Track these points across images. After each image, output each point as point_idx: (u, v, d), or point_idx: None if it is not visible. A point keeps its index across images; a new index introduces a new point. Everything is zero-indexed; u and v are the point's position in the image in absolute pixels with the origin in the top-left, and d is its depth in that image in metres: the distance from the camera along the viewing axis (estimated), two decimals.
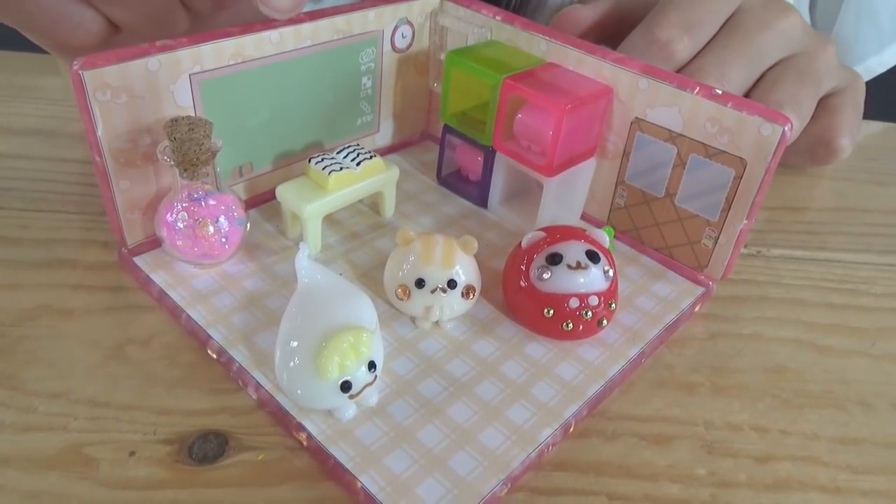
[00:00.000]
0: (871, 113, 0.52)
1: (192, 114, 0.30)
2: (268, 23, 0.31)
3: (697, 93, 0.29)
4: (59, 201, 0.35)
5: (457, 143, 0.37)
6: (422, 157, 0.41)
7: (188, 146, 0.27)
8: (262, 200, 0.35)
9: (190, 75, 0.29)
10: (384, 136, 0.40)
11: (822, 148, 0.40)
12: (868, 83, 0.42)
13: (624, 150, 0.33)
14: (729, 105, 0.29)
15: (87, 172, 0.37)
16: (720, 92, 0.29)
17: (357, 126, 0.38)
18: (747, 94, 0.36)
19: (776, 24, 0.36)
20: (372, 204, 0.36)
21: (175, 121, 0.27)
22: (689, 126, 0.30)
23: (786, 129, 0.27)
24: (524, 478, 0.24)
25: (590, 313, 0.28)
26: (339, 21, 0.33)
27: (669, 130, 0.31)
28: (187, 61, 0.28)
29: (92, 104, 0.26)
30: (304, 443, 0.24)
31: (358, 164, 0.32)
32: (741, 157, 0.29)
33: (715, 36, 0.36)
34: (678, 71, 0.35)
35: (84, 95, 0.26)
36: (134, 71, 0.27)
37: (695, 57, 0.35)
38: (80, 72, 0.25)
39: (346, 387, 0.23)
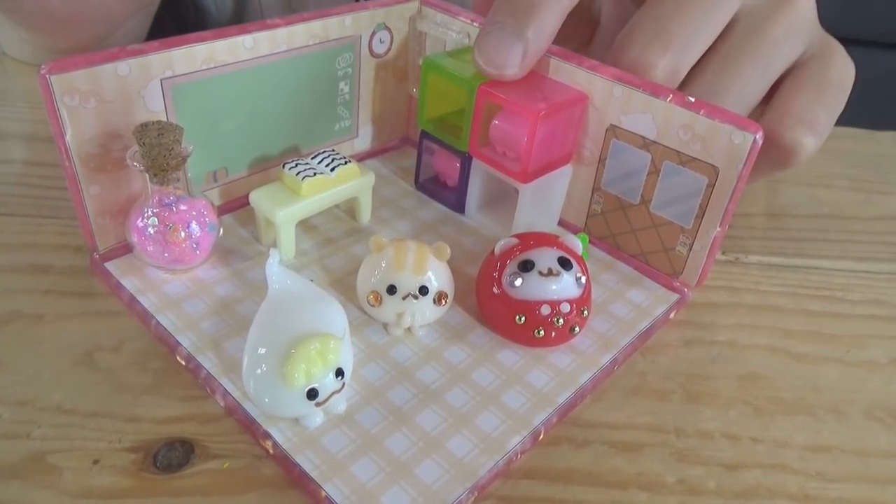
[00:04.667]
0: (852, 120, 0.52)
1: (164, 119, 0.30)
2: (242, 27, 0.30)
3: (670, 100, 0.29)
4: (33, 205, 0.35)
5: (434, 149, 0.37)
6: (401, 162, 0.41)
7: (157, 151, 0.26)
8: (237, 206, 0.35)
9: (161, 80, 0.29)
10: (363, 142, 0.40)
11: (772, 148, 0.31)
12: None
13: (599, 157, 0.33)
14: (701, 112, 0.29)
15: (62, 176, 0.37)
16: (692, 99, 0.29)
17: (335, 131, 0.38)
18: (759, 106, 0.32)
19: (782, 23, 0.31)
20: (348, 209, 0.36)
21: (144, 126, 0.27)
22: (662, 133, 0.30)
23: (756, 136, 0.27)
24: (492, 486, 0.24)
25: (561, 320, 0.27)
26: (316, 26, 0.33)
27: (644, 137, 0.31)
28: (158, 66, 0.28)
29: (60, 109, 0.26)
30: (270, 451, 0.24)
31: (332, 169, 0.32)
32: (713, 165, 0.29)
33: (711, 49, 0.31)
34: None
35: (52, 100, 0.26)
36: (103, 75, 0.27)
37: (686, 79, 0.32)
38: (47, 76, 0.25)
39: (312, 394, 0.23)
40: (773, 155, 0.31)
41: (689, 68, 0.31)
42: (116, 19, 0.44)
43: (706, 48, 0.31)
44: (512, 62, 0.30)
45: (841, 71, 0.33)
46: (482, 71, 0.31)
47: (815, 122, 0.31)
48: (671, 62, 0.30)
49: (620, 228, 0.34)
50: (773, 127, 0.31)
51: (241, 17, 0.55)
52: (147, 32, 0.50)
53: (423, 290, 0.28)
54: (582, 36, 0.39)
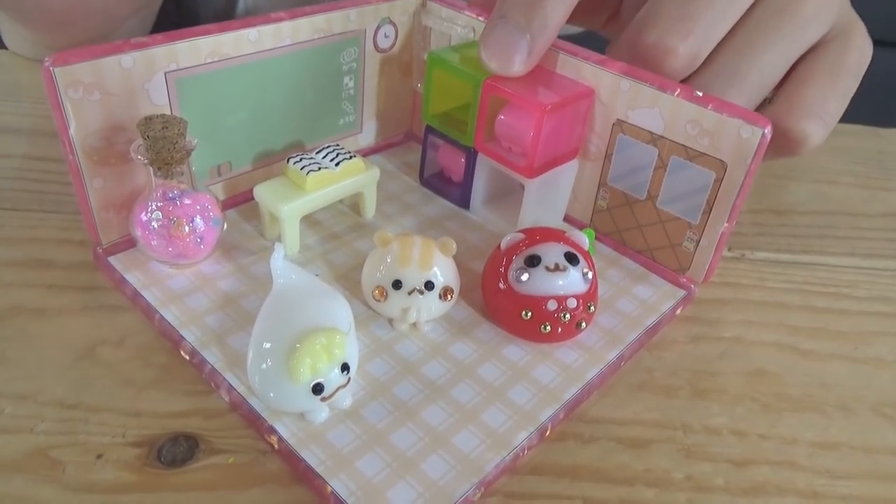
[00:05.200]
0: (856, 116, 0.52)
1: (168, 112, 0.29)
2: (245, 21, 0.30)
3: (678, 94, 0.29)
4: (36, 200, 0.35)
5: (439, 144, 0.37)
6: (405, 157, 0.40)
7: (162, 144, 0.26)
8: (241, 200, 0.34)
9: (165, 73, 0.28)
10: (367, 137, 0.40)
11: (779, 136, 0.30)
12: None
13: (606, 152, 0.33)
14: (709, 107, 0.28)
15: (65, 171, 0.37)
16: (700, 94, 0.29)
17: (339, 126, 0.38)
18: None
19: (812, 1, 0.30)
20: (353, 205, 0.35)
21: (149, 119, 0.27)
22: (670, 128, 0.30)
23: (765, 131, 0.27)
24: (498, 482, 0.24)
25: (568, 316, 0.27)
26: (319, 20, 0.33)
27: (651, 132, 0.31)
28: (162, 59, 0.28)
29: (64, 101, 0.26)
30: (276, 446, 0.24)
31: (337, 164, 0.32)
32: (721, 160, 0.29)
33: (731, 32, 0.30)
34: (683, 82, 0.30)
35: (55, 92, 0.26)
36: (107, 68, 0.27)
37: (704, 64, 0.30)
38: (51, 68, 0.25)
39: (317, 389, 0.23)
40: (779, 142, 0.30)
41: (710, 51, 0.30)
42: (115, 17, 0.44)
43: (730, 28, 0.30)
44: (517, 58, 0.30)
45: (859, 56, 0.31)
46: (487, 67, 0.31)
47: (825, 114, 0.30)
48: (693, 47, 0.29)
49: (627, 224, 0.34)
50: (782, 115, 0.30)
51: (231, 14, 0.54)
52: (149, 33, 0.50)
53: (429, 285, 0.28)
54: (606, 10, 0.37)
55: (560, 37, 0.31)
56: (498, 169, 0.34)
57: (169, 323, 0.27)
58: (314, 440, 0.23)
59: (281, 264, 0.27)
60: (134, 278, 0.29)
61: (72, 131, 0.27)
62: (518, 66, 0.30)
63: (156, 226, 0.28)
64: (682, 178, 0.31)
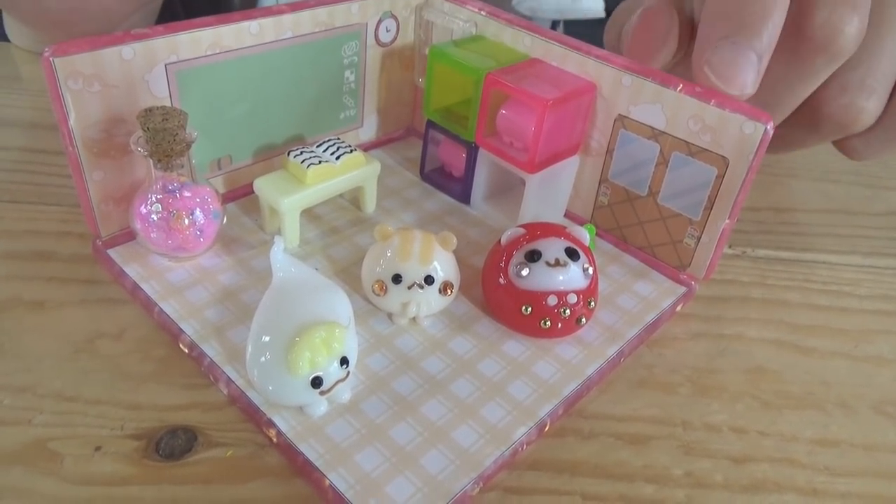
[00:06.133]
0: None
1: (169, 104, 0.29)
2: (246, 13, 0.30)
3: (680, 90, 0.29)
4: (36, 193, 0.35)
5: (440, 139, 0.37)
6: (406, 152, 0.40)
7: (162, 136, 0.26)
8: (241, 194, 0.34)
9: (166, 65, 0.28)
10: (368, 131, 0.40)
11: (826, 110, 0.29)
12: None
13: (607, 148, 0.33)
14: (711, 103, 0.28)
15: (65, 164, 0.37)
16: (700, 89, 0.29)
17: (340, 120, 0.38)
18: None
19: None
20: (353, 199, 0.35)
21: (149, 111, 0.26)
22: (672, 123, 0.30)
23: (767, 127, 0.27)
24: (497, 477, 0.24)
25: (568, 311, 0.27)
26: (321, 13, 0.33)
27: (652, 128, 0.31)
28: (163, 51, 0.28)
29: (64, 92, 0.26)
30: (274, 439, 0.23)
31: (337, 157, 0.32)
32: (723, 156, 0.29)
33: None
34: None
35: (55, 83, 0.26)
36: (107, 59, 0.26)
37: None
38: (50, 58, 0.25)
39: (316, 383, 0.23)
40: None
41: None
42: (114, 17, 0.44)
43: None
44: (750, 80, 0.27)
45: None
46: (716, 88, 0.27)
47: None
48: (860, 25, 0.27)
49: (627, 220, 0.34)
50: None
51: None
52: None
53: (429, 280, 0.27)
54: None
55: (562, 35, 0.31)
56: (499, 164, 0.34)
57: (168, 316, 0.27)
58: (313, 434, 0.23)
59: (281, 258, 0.27)
60: (133, 271, 0.29)
61: (71, 123, 0.27)
62: (751, 87, 0.27)
63: (155, 218, 0.28)
64: (684, 174, 0.30)
